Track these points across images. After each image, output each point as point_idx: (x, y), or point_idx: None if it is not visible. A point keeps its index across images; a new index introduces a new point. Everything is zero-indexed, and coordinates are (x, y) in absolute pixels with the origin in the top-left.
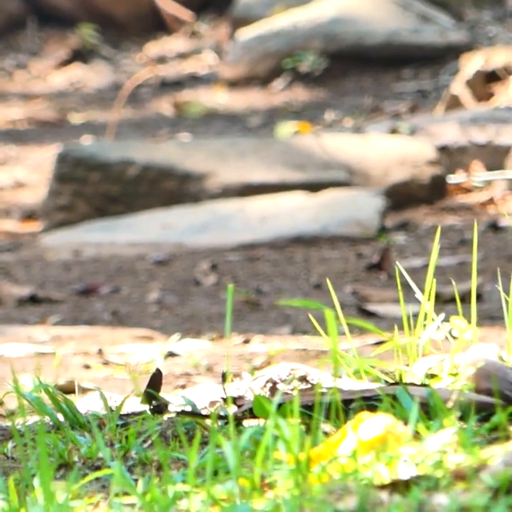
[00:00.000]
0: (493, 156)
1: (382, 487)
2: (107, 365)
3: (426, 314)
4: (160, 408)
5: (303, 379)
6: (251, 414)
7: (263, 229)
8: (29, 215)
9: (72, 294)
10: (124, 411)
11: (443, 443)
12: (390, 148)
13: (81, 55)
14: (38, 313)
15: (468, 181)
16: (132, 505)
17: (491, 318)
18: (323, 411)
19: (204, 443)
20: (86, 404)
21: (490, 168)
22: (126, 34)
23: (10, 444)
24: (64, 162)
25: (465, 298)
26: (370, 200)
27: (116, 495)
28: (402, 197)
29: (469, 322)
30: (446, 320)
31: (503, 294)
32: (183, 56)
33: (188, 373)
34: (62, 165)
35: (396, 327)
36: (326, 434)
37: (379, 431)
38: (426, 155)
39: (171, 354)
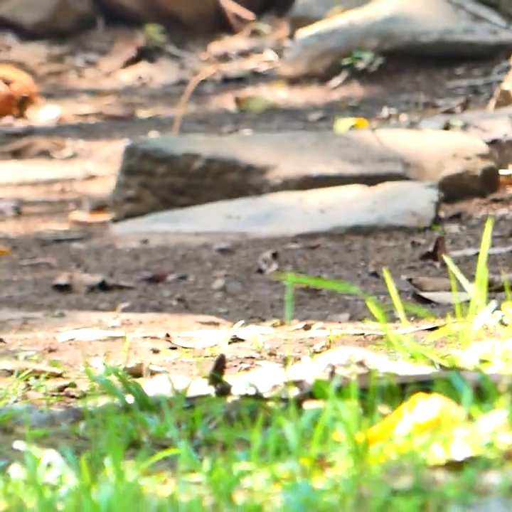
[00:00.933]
0: None
1: (437, 467)
2: (175, 350)
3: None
4: (224, 391)
5: (361, 363)
6: (311, 396)
7: (322, 219)
8: (99, 206)
9: (140, 281)
10: (190, 393)
11: (495, 425)
12: (443, 142)
13: (148, 54)
14: (108, 300)
15: None
16: (198, 483)
17: None
18: (380, 394)
19: (266, 424)
20: (154, 387)
21: None
22: (191, 34)
23: (82, 425)
24: (132, 155)
25: None
26: (425, 191)
27: (183, 473)
28: (456, 189)
29: None
30: (498, 308)
31: None
32: (244, 54)
33: (251, 357)
34: (130, 158)
35: (449, 314)
36: (382, 416)
37: (434, 413)
38: (478, 148)
39: (235, 339)
